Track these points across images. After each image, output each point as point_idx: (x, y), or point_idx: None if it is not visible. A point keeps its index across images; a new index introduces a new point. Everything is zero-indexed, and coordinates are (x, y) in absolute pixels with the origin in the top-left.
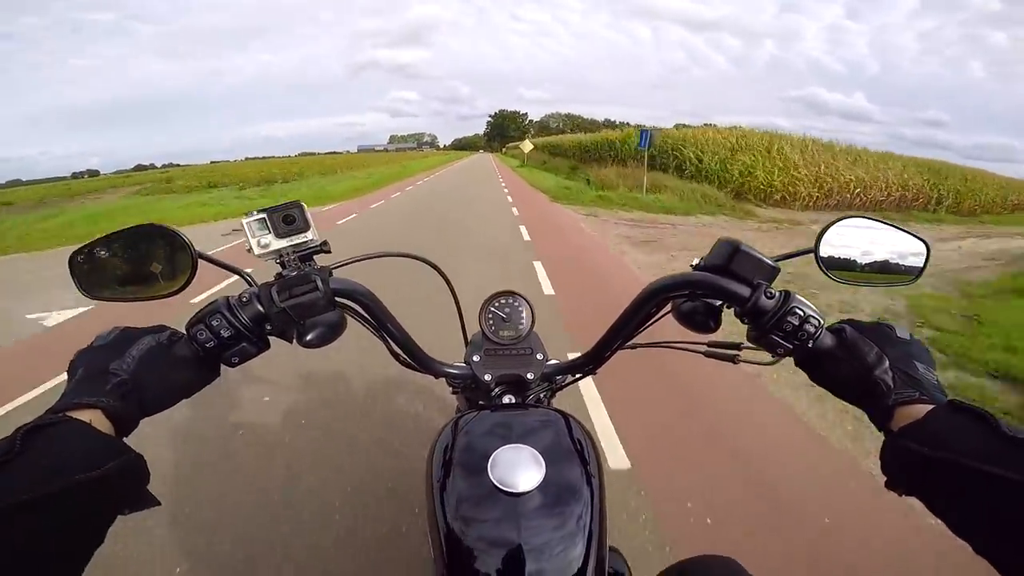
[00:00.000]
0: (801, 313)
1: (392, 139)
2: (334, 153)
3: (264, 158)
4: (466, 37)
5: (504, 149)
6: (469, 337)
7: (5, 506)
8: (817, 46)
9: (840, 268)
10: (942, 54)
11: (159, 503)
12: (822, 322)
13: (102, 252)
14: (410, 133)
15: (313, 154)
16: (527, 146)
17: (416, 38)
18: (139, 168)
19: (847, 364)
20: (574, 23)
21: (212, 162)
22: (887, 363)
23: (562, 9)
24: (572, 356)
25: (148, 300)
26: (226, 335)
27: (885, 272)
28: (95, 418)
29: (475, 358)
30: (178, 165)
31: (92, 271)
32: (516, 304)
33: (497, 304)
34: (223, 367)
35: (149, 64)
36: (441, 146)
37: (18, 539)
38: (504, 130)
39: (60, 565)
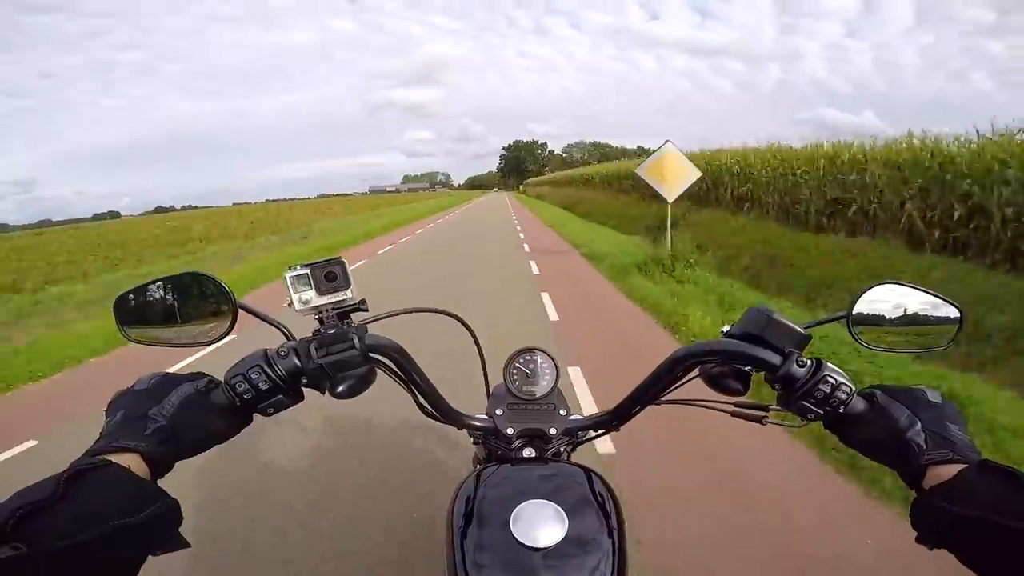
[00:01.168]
0: (833, 381)
1: (405, 179)
2: (343, 195)
3: (285, 200)
4: (475, 75)
5: (522, 187)
6: (491, 389)
7: (48, 549)
8: (822, 65)
9: (872, 334)
10: (946, 68)
11: (188, 545)
12: (853, 389)
13: (147, 296)
14: (423, 172)
15: (334, 196)
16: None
17: (428, 77)
18: (160, 210)
19: (878, 428)
20: (580, 57)
21: (235, 204)
22: (919, 425)
23: (568, 44)
24: (594, 412)
25: (187, 347)
26: (264, 387)
27: (918, 337)
28: (133, 461)
29: (498, 411)
30: (196, 207)
31: (135, 314)
32: (541, 361)
33: (522, 360)
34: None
35: (175, 103)
36: (456, 185)
37: None
38: (521, 164)
39: None
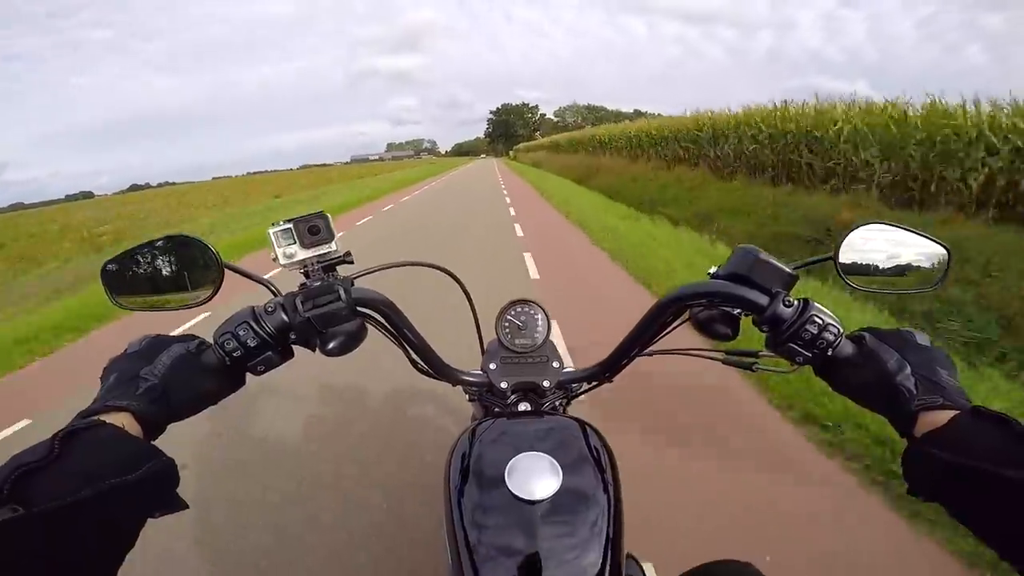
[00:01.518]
0: (820, 321)
1: (389, 147)
2: (324, 165)
3: (269, 172)
4: (461, 41)
5: (512, 152)
6: (485, 345)
7: (45, 509)
8: (815, 35)
9: (859, 275)
10: (942, 39)
11: (187, 507)
12: (841, 330)
13: (132, 262)
14: (407, 140)
15: (314, 166)
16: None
17: (413, 44)
18: (135, 188)
19: (868, 371)
20: (568, 21)
21: (215, 178)
22: (909, 369)
23: (555, 8)
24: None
25: (176, 310)
26: (252, 344)
27: (906, 277)
28: (126, 421)
29: (491, 366)
30: (174, 183)
31: (122, 280)
32: (532, 312)
33: (513, 312)
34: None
35: (151, 81)
36: (442, 152)
37: (56, 542)
38: (510, 128)
39: (95, 567)
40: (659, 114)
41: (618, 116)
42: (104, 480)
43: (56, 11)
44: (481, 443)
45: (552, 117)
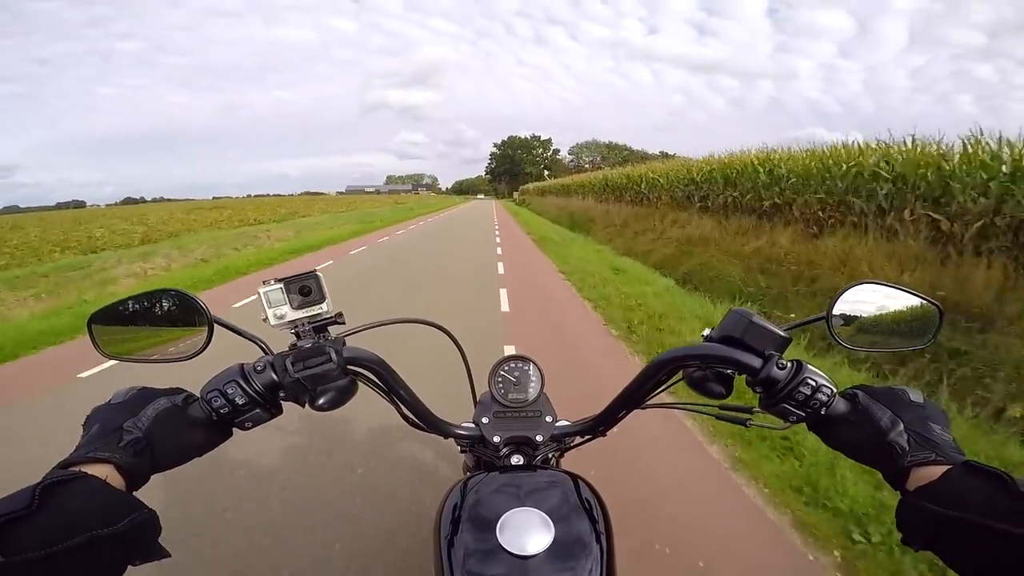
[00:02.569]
0: (813, 383)
1: (389, 179)
2: (318, 194)
3: (270, 196)
4: (472, 80)
5: (517, 194)
6: (478, 397)
7: (23, 560)
8: (814, 85)
9: (852, 334)
10: (933, 90)
11: (169, 555)
12: (834, 390)
13: (121, 313)
14: (408, 174)
15: (319, 194)
16: None
17: (424, 80)
18: (129, 201)
19: (860, 429)
20: (577, 67)
21: (215, 198)
22: (902, 426)
23: (565, 53)
24: (581, 419)
25: (164, 362)
26: (240, 402)
27: (898, 336)
28: (108, 473)
29: (484, 419)
30: (170, 199)
31: (110, 332)
32: (526, 368)
33: (507, 368)
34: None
35: (169, 95)
36: (443, 188)
37: None
38: (515, 166)
39: None
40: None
41: (644, 157)
42: (86, 531)
43: (94, 20)
44: (473, 496)
45: (566, 155)
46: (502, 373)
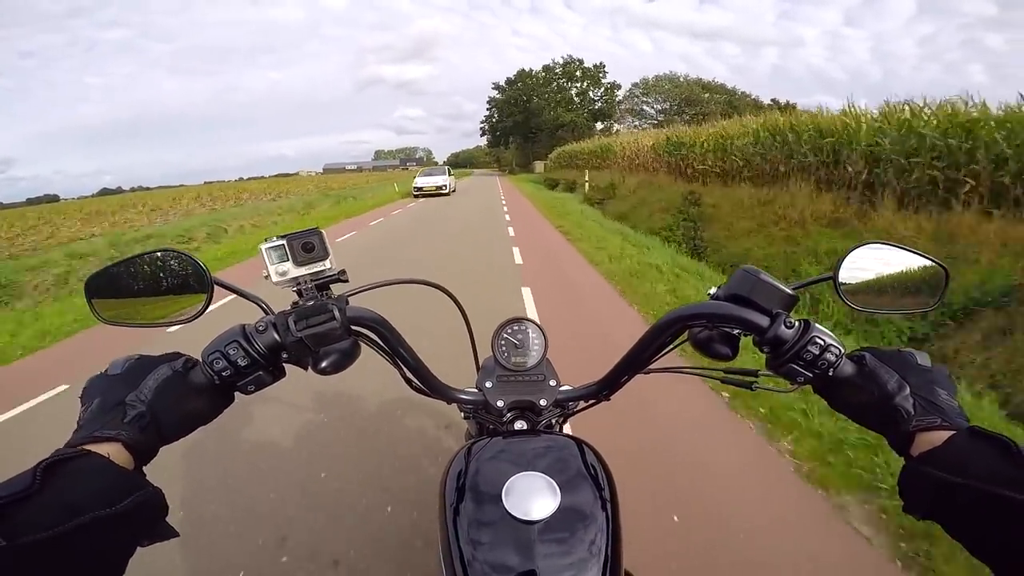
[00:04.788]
0: (821, 342)
1: (378, 155)
2: (287, 175)
3: (268, 177)
4: (468, 53)
5: (544, 168)
6: (481, 362)
7: (26, 542)
8: (819, 53)
9: (859, 295)
10: (942, 59)
11: (177, 534)
12: (842, 351)
13: (118, 276)
14: (399, 148)
15: (290, 175)
16: None
17: (420, 54)
18: (105, 192)
19: (867, 392)
20: (575, 37)
21: (206, 182)
22: (908, 390)
23: (562, 24)
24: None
25: (163, 326)
26: (242, 364)
27: (905, 297)
28: (114, 451)
29: (487, 384)
30: (148, 188)
31: (107, 295)
32: (528, 331)
33: (510, 331)
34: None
35: (160, 82)
36: (439, 163)
37: (41, 574)
38: (531, 117)
39: None
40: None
41: (753, 104)
42: (88, 512)
43: (76, 10)
44: (477, 462)
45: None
46: (505, 336)
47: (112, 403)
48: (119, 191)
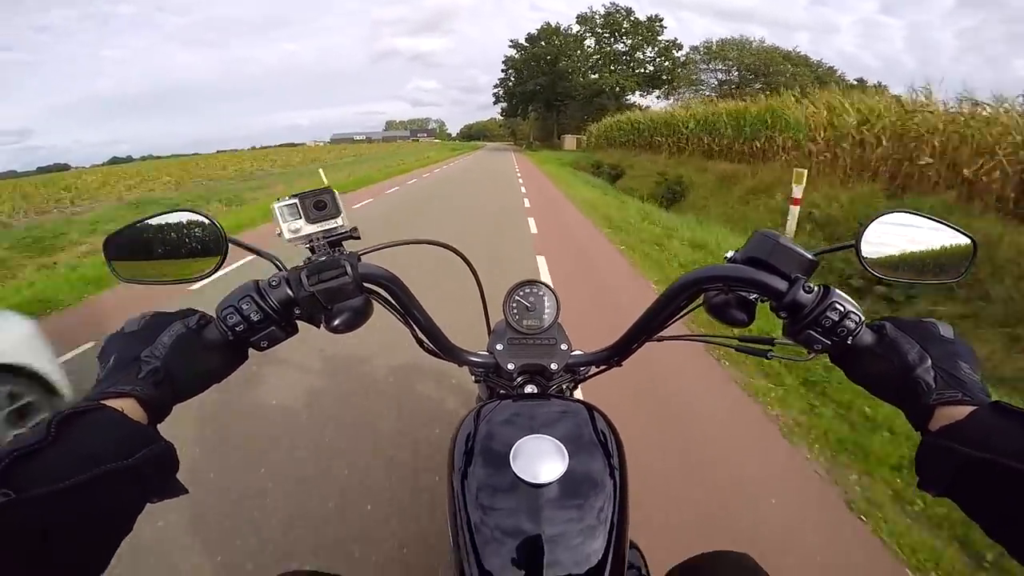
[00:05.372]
0: (841, 308)
1: (388, 125)
2: (295, 145)
3: (280, 146)
4: (485, 25)
5: (580, 138)
6: (492, 326)
7: (38, 494)
8: (851, 40)
9: (882, 265)
10: (984, 52)
11: (187, 491)
12: (862, 318)
13: (135, 234)
14: (409, 119)
15: (297, 145)
16: None
17: (436, 26)
18: (115, 161)
19: (886, 362)
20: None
21: (219, 151)
22: (929, 362)
23: (582, 1)
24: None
25: (178, 283)
26: (256, 319)
27: (929, 268)
28: (129, 406)
29: (498, 347)
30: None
31: (124, 253)
32: (541, 294)
33: (521, 293)
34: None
35: (174, 54)
36: (451, 135)
37: (49, 527)
38: (558, 80)
39: (90, 553)
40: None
41: (830, 75)
42: (100, 464)
43: None
44: (487, 424)
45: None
46: (517, 298)
47: (127, 359)
48: (129, 159)
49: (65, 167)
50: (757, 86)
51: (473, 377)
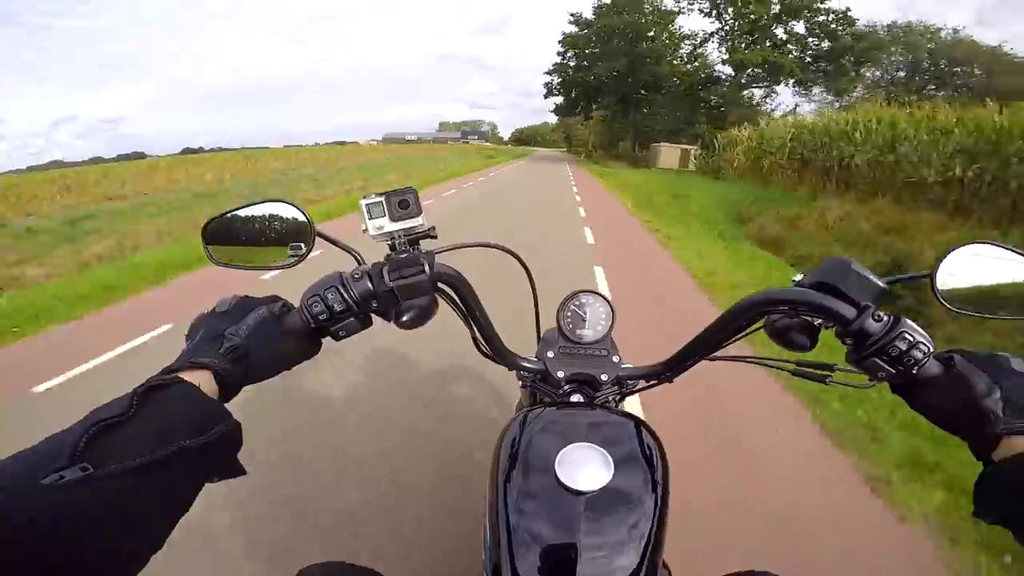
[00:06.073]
0: (910, 339)
1: (441, 126)
2: (347, 144)
3: (342, 143)
4: (543, 30)
5: (694, 151)
6: (542, 334)
7: (114, 470)
8: None
9: (958, 297)
10: None
11: (245, 472)
12: (931, 349)
13: (231, 221)
14: (462, 120)
15: (349, 143)
16: None
17: (494, 29)
18: (187, 151)
19: (953, 393)
20: None
21: (286, 145)
22: (998, 393)
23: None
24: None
25: (267, 269)
26: (338, 309)
27: (1009, 304)
28: (204, 379)
29: (549, 354)
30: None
31: (220, 237)
32: (597, 305)
33: (577, 303)
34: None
35: (258, 52)
36: (503, 138)
37: (120, 501)
38: (639, 66)
39: (151, 530)
40: None
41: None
42: (174, 441)
43: None
44: (532, 430)
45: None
46: (572, 307)
47: (213, 334)
48: (200, 150)
49: (142, 155)
50: (932, 88)
51: (520, 382)
